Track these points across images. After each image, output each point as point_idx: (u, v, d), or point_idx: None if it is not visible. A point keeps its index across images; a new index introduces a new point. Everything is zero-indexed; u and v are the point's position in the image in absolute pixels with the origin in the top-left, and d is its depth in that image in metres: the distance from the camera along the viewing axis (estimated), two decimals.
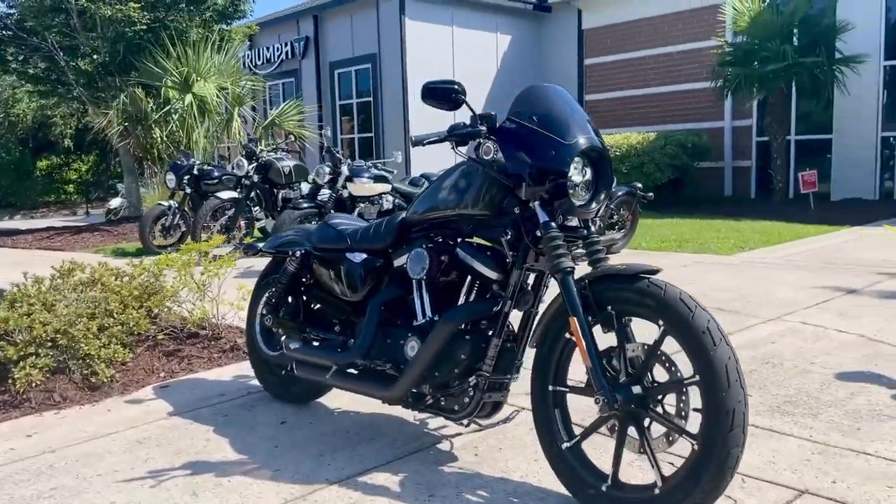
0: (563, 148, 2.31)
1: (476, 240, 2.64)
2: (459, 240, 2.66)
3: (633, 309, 2.18)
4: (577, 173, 2.36)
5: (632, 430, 2.20)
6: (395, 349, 2.73)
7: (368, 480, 2.56)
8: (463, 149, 2.56)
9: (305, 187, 8.23)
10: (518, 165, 2.36)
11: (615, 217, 7.48)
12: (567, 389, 2.39)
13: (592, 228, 2.46)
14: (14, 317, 3.59)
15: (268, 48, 16.95)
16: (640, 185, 7.58)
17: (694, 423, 2.07)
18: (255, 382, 3.60)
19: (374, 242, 2.93)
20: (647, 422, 2.17)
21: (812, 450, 2.67)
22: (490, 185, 2.48)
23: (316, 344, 3.07)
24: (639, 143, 12.28)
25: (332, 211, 6.87)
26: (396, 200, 7.18)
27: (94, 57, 11.53)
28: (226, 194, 8.17)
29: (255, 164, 8.25)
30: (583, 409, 2.55)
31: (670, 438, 2.15)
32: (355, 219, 3.28)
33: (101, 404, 3.47)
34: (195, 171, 8.81)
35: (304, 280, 3.26)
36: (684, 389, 2.10)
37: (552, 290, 2.58)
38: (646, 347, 2.19)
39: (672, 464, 2.32)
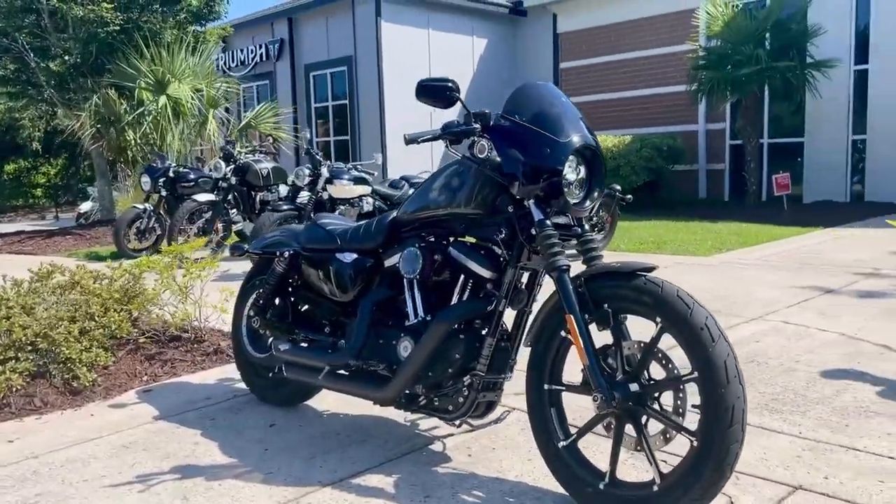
0: (557, 146, 2.31)
1: (468, 239, 2.63)
2: (452, 239, 2.65)
3: (630, 306, 2.18)
4: (572, 171, 2.36)
5: (629, 428, 2.20)
6: (388, 349, 2.71)
7: (362, 482, 2.53)
8: (454, 147, 2.54)
9: (283, 190, 8.17)
10: (512, 163, 2.35)
11: (594, 219, 7.52)
12: (563, 388, 2.38)
13: (586, 226, 2.46)
14: None
15: (241, 50, 16.84)
16: (618, 186, 7.63)
17: (690, 420, 2.08)
18: (241, 385, 3.55)
19: (364, 242, 2.91)
20: (644, 419, 2.17)
21: (802, 446, 2.70)
22: (483, 184, 2.47)
23: (306, 345, 3.04)
24: (615, 146, 12.37)
25: (311, 213, 6.81)
26: (376, 203, 7.15)
27: (66, 58, 11.35)
28: (203, 197, 8.07)
29: (232, 167, 8.16)
30: (573, 409, 2.55)
31: (667, 436, 2.15)
32: (344, 219, 3.26)
33: (83, 409, 3.40)
34: (171, 174, 8.71)
35: (291, 281, 3.22)
36: (682, 386, 2.10)
37: (545, 289, 2.58)
38: (642, 345, 2.19)
39: (665, 461, 2.33)
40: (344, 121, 15.13)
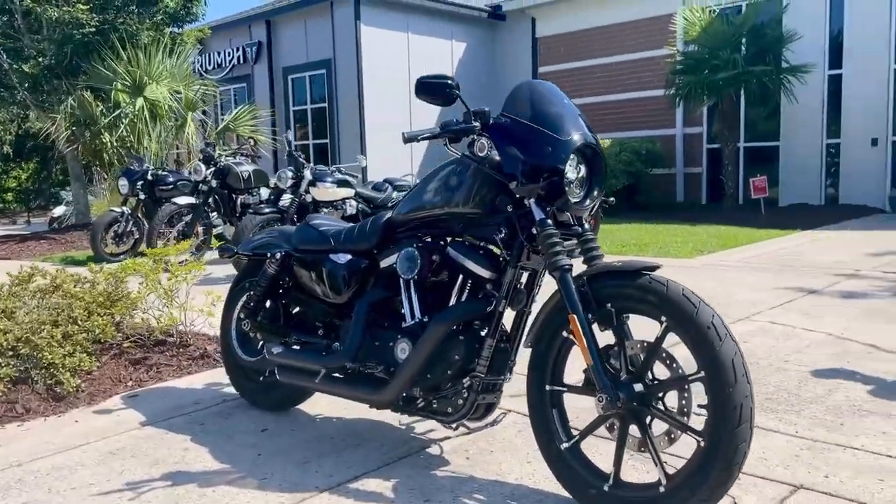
0: (559, 144, 2.29)
1: (466, 238, 2.60)
2: (449, 239, 2.61)
3: (635, 306, 2.16)
4: (572, 170, 2.34)
5: (632, 429, 2.18)
6: (384, 351, 2.66)
7: (360, 487, 2.49)
8: (455, 146, 2.51)
9: (265, 192, 8.07)
10: (513, 162, 2.32)
11: None
12: (565, 389, 2.35)
13: (586, 226, 2.44)
14: None
15: (218, 53, 16.68)
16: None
17: (694, 420, 2.07)
18: (230, 390, 3.49)
19: (358, 243, 2.86)
20: (648, 420, 2.15)
21: (800, 445, 2.70)
22: (482, 183, 2.44)
23: (299, 348, 2.98)
24: None
25: (294, 216, 6.75)
26: (360, 206, 7.10)
27: (40, 59, 11.15)
28: (183, 200, 7.96)
29: (213, 169, 8.06)
30: (571, 410, 2.52)
31: (672, 436, 2.13)
32: (336, 220, 3.21)
33: (67, 415, 3.31)
34: (149, 177, 8.58)
35: (283, 283, 3.17)
36: (687, 386, 2.09)
37: (544, 289, 2.56)
38: (645, 344, 2.17)
39: (667, 462, 2.31)
40: (323, 124, 15.04)
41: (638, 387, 2.14)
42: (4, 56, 11.19)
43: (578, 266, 2.29)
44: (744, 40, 12.13)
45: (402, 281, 2.65)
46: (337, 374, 2.79)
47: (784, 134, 12.98)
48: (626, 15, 14.41)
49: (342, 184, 6.85)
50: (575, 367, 2.35)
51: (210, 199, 8.15)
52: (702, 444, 2.00)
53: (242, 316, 3.22)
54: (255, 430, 3.06)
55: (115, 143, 10.71)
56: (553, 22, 15.52)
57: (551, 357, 2.35)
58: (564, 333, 2.30)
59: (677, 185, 14.24)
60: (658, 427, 2.15)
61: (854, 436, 2.77)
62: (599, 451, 2.50)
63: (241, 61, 16.23)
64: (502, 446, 2.78)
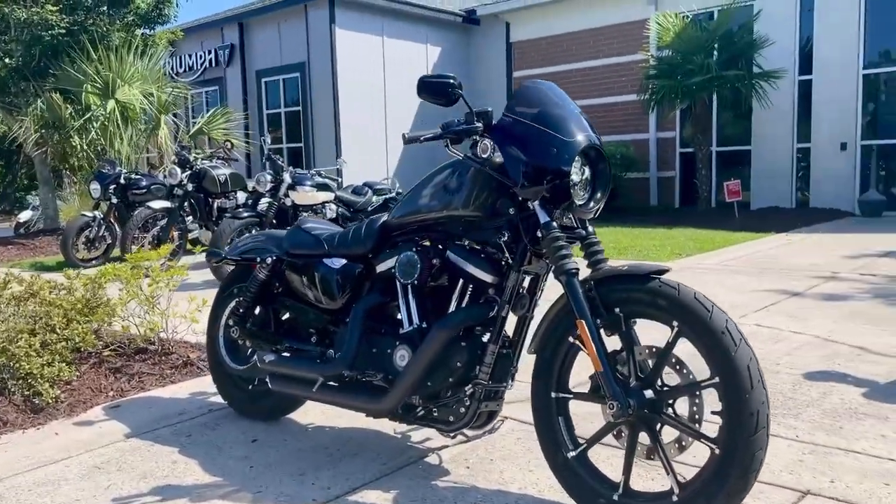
0: (564, 145, 2.24)
1: (466, 242, 2.54)
2: (449, 243, 2.55)
3: (644, 310, 2.12)
4: (577, 172, 2.29)
5: (641, 437, 2.13)
6: (382, 358, 2.59)
7: (360, 499, 2.41)
8: (456, 147, 2.45)
9: (241, 196, 7.95)
10: (517, 164, 2.27)
11: None
12: (571, 396, 2.31)
13: (590, 228, 2.40)
14: None
15: (190, 55, 16.45)
16: None
17: (705, 426, 2.04)
18: (216, 399, 3.39)
19: (353, 247, 2.79)
20: (658, 427, 2.11)
21: (802, 450, 2.68)
22: (483, 185, 2.39)
23: (293, 356, 2.89)
24: None
25: (273, 220, 6.64)
26: (340, 209, 7.02)
27: (7, 61, 10.88)
28: (158, 204, 7.79)
29: (189, 173, 7.91)
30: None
31: (682, 444, 2.10)
32: (328, 223, 3.14)
33: (46, 427, 3.19)
34: (122, 181, 8.40)
35: (273, 288, 3.08)
36: (698, 392, 2.05)
37: (546, 294, 2.51)
38: (654, 350, 2.13)
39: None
40: (297, 128, 14.89)
41: (648, 393, 2.10)
42: None
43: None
44: (716, 46, 12.24)
45: (399, 286, 2.58)
46: (333, 383, 2.71)
47: (755, 138, 13.13)
48: (600, 20, 14.49)
49: (322, 187, 6.76)
50: (575, 370, 2.31)
51: (186, 204, 7.99)
52: (716, 451, 1.96)
53: (231, 323, 3.13)
54: (245, 441, 2.96)
55: (85, 147, 10.47)
56: (527, 27, 15.55)
57: (557, 363, 2.30)
58: (571, 339, 2.25)
59: (651, 189, 14.33)
60: (667, 434, 2.11)
61: (854, 439, 2.76)
62: (601, 458, 2.45)
63: (214, 64, 16.02)
64: (502, 455, 2.73)
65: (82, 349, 3.64)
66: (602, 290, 2.18)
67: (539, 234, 2.28)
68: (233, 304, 3.19)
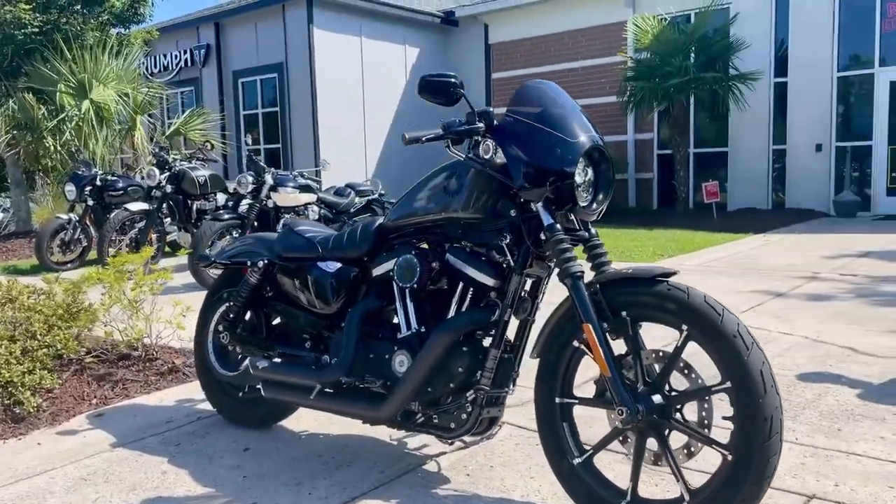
0: (568, 146, 2.20)
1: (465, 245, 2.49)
2: (447, 245, 2.50)
3: (652, 314, 2.08)
4: (580, 173, 2.25)
5: (649, 443, 2.10)
6: (380, 364, 2.54)
7: None
8: (448, 147, 2.40)
9: (221, 198, 7.83)
10: (520, 165, 2.22)
11: None
12: (576, 401, 2.26)
13: (592, 230, 2.37)
14: None
15: (165, 55, 16.22)
16: None
17: (714, 431, 2.01)
18: (204, 406, 3.30)
19: (348, 250, 2.73)
20: (667, 432, 2.07)
21: (803, 453, 2.67)
22: (484, 187, 2.34)
23: (287, 362, 2.82)
24: None
25: (255, 222, 6.54)
26: (322, 211, 6.93)
27: None
28: (136, 206, 7.64)
29: (167, 174, 7.77)
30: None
31: (691, 449, 2.06)
32: (321, 225, 3.07)
33: (28, 437, 3.08)
34: (98, 182, 8.24)
35: (265, 293, 3.01)
36: (708, 397, 2.02)
37: (547, 297, 2.47)
38: (661, 354, 2.10)
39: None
40: (275, 128, 14.74)
41: (657, 398, 2.06)
42: None
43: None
44: (694, 48, 12.33)
45: (397, 289, 2.53)
46: (329, 390, 2.64)
47: (732, 140, 13.25)
48: (578, 22, 14.53)
49: (304, 189, 6.68)
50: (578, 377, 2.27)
51: (164, 205, 7.85)
52: (729, 457, 1.93)
53: (221, 328, 3.04)
54: (236, 450, 2.89)
55: (59, 148, 10.26)
56: (505, 28, 15.55)
57: (561, 368, 2.26)
58: (575, 343, 2.21)
59: (629, 191, 14.39)
60: (675, 440, 2.08)
61: (854, 441, 2.75)
62: (603, 463, 2.41)
63: (189, 64, 15.81)
64: (502, 461, 2.68)
65: (64, 356, 3.54)
66: (608, 293, 2.15)
67: (542, 237, 2.24)
68: (222, 308, 3.11)
